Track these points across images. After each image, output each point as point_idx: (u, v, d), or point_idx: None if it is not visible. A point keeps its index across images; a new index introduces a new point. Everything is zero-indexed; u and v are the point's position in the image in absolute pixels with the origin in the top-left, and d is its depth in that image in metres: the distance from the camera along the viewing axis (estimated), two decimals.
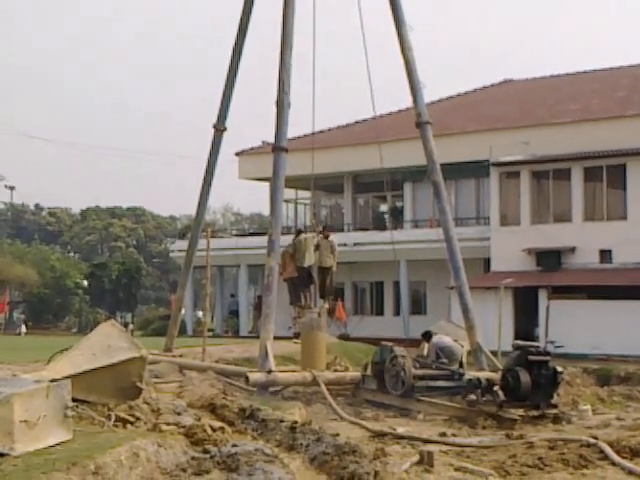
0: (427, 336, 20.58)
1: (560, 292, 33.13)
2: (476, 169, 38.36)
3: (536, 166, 36.56)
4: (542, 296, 33.71)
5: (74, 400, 11.65)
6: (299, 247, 23.25)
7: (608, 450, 12.74)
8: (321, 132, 41.60)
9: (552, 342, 25.49)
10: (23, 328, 51.20)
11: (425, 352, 20.50)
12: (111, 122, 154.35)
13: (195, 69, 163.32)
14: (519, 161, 36.62)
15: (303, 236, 23.62)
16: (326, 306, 23.14)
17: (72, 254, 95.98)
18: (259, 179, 45.17)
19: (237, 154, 47.40)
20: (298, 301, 23.30)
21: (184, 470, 10.79)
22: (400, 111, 42.85)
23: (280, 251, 21.54)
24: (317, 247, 23.47)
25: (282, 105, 21.29)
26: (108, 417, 12.43)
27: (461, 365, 19.91)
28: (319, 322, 21.35)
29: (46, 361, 14.31)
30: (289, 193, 43.69)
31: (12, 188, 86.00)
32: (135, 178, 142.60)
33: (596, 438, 13.81)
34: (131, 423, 12.52)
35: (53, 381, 11.32)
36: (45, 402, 10.73)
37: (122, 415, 12.63)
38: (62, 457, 9.97)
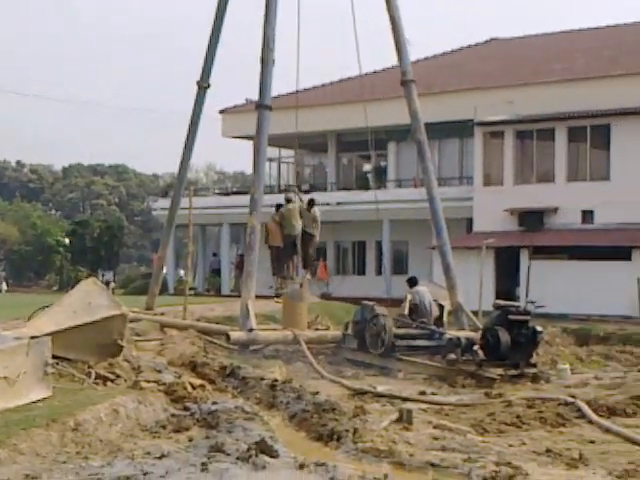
0: (412, 282, 20.63)
1: (542, 252, 33.23)
2: (460, 128, 38.30)
3: (520, 126, 36.50)
4: (524, 256, 33.81)
5: (54, 357, 11.68)
6: (287, 215, 23.06)
7: (585, 409, 12.85)
8: (305, 90, 41.34)
9: (533, 302, 25.51)
10: (4, 285, 51.08)
11: (406, 311, 20.52)
12: (94, 77, 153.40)
13: (180, 24, 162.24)
14: (503, 121, 36.53)
15: (291, 205, 23.42)
16: (308, 277, 23.07)
17: (54, 212, 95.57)
18: (243, 137, 44.95)
19: (221, 112, 47.13)
20: (281, 272, 23.15)
21: (164, 427, 10.85)
22: (385, 69, 42.64)
23: (263, 210, 21.47)
24: (301, 216, 23.31)
25: (266, 62, 21.12)
26: (88, 374, 12.47)
27: (442, 324, 19.98)
28: (301, 293, 21.32)
29: (26, 318, 14.29)
30: (272, 152, 43.56)
31: None
32: (118, 136, 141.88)
33: (574, 397, 13.92)
34: (111, 380, 12.57)
35: (33, 338, 11.32)
36: (25, 359, 10.74)
37: (102, 372, 12.68)
38: (42, 414, 10.00)
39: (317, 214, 23.96)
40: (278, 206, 23.81)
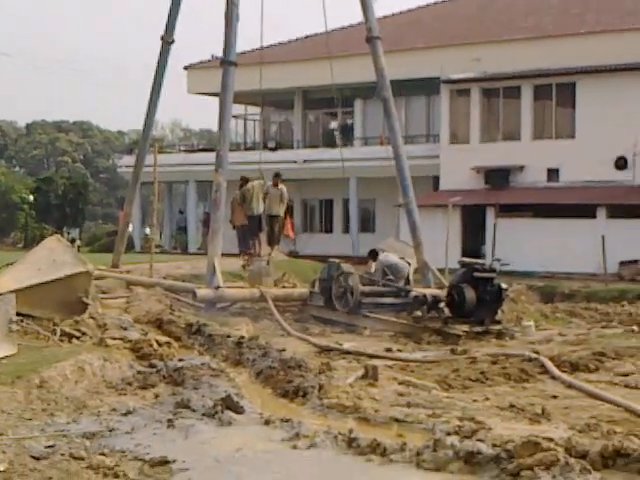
0: (373, 254, 20.64)
1: (508, 210, 33.43)
2: (427, 86, 38.25)
3: (486, 84, 36.52)
4: (490, 214, 34.00)
5: (19, 314, 11.65)
6: (247, 195, 23.18)
7: (549, 364, 12.98)
8: (271, 46, 41.10)
9: (498, 260, 25.68)
10: None
11: (372, 270, 20.60)
12: (57, 33, 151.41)
13: None
14: (469, 78, 36.52)
15: (250, 184, 23.46)
16: (273, 254, 23.13)
17: (17, 168, 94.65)
18: (208, 94, 44.57)
19: (185, 68, 46.74)
20: (247, 249, 23.30)
21: (130, 384, 10.86)
22: (351, 26, 42.38)
23: (230, 167, 21.44)
24: (265, 195, 23.31)
25: (231, 18, 20.91)
26: (53, 332, 12.45)
27: (408, 282, 20.05)
28: (267, 270, 21.31)
29: None
30: (238, 109, 43.33)
31: None
32: (82, 91, 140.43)
33: (538, 353, 14.06)
34: (77, 338, 12.56)
35: None
36: None
37: (68, 330, 12.66)
38: (6, 371, 9.98)
39: (284, 190, 23.83)
40: (240, 186, 23.71)
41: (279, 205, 23.54)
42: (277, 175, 23.99)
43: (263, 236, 23.59)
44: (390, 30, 33.89)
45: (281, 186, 23.76)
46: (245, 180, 23.80)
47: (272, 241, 23.59)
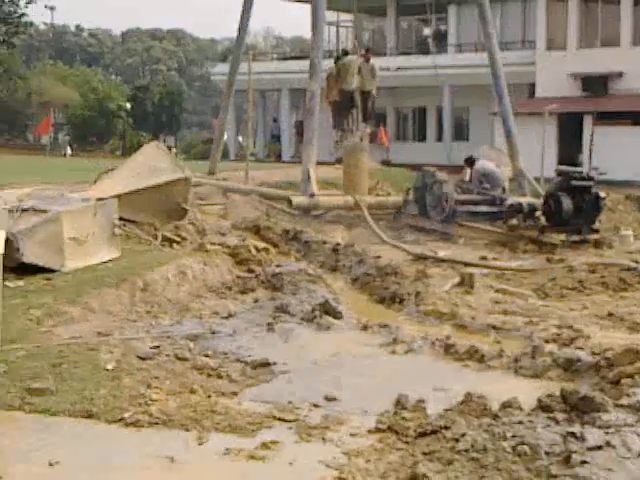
0: (470, 161, 20.38)
1: (606, 118, 32.65)
2: None
3: None
4: (587, 122, 33.25)
5: (121, 219, 11.89)
6: (343, 70, 22.88)
7: None
8: None
9: (596, 168, 25.22)
10: (68, 150, 51.41)
11: (467, 178, 20.40)
12: None
13: None
14: None
15: (347, 59, 23.16)
16: (368, 130, 22.98)
17: (113, 77, 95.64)
18: (300, 1, 44.22)
19: None
20: (341, 125, 23.15)
21: (229, 288, 11.08)
22: None
23: (323, 75, 21.30)
24: (359, 71, 23.12)
25: None
26: (155, 236, 12.70)
27: (504, 190, 19.83)
28: (361, 146, 21.19)
29: (92, 181, 14.50)
30: (331, 16, 42.85)
31: (52, 8, 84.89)
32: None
33: (637, 262, 13.85)
34: (177, 242, 12.80)
35: (100, 200, 11.52)
36: (93, 220, 10.97)
37: (168, 235, 12.90)
38: (111, 274, 10.26)
39: (375, 66, 23.55)
40: (337, 59, 23.47)
41: (371, 80, 23.34)
42: (368, 50, 23.85)
43: (356, 113, 23.36)
44: None
45: (372, 62, 23.54)
46: (345, 53, 23.54)
47: (366, 117, 23.40)
